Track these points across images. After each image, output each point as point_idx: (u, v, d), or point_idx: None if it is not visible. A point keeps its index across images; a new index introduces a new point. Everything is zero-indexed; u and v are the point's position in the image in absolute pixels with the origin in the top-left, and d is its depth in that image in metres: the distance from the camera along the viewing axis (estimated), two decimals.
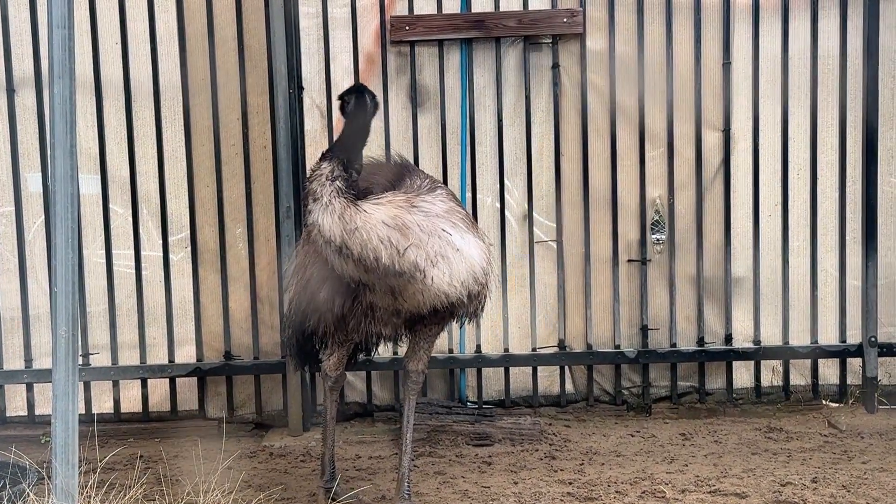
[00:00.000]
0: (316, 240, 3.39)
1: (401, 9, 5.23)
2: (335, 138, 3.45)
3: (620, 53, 5.23)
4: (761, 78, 5.24)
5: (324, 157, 3.38)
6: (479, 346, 5.27)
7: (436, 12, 5.22)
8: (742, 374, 5.37)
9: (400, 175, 3.74)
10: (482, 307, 3.81)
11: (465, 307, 3.69)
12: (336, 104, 5.13)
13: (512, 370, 5.34)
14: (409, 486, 3.86)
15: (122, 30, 5.17)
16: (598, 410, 5.34)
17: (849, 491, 3.98)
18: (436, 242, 3.40)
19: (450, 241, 3.44)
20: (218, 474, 3.90)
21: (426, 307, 3.57)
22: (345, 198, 3.31)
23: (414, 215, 3.40)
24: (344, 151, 3.38)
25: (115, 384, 5.27)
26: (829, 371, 5.37)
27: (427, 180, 3.72)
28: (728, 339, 5.29)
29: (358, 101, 3.47)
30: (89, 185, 5.24)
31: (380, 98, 5.13)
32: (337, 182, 3.31)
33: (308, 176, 3.38)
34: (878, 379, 5.23)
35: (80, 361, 5.11)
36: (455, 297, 3.52)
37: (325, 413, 4.14)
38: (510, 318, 5.28)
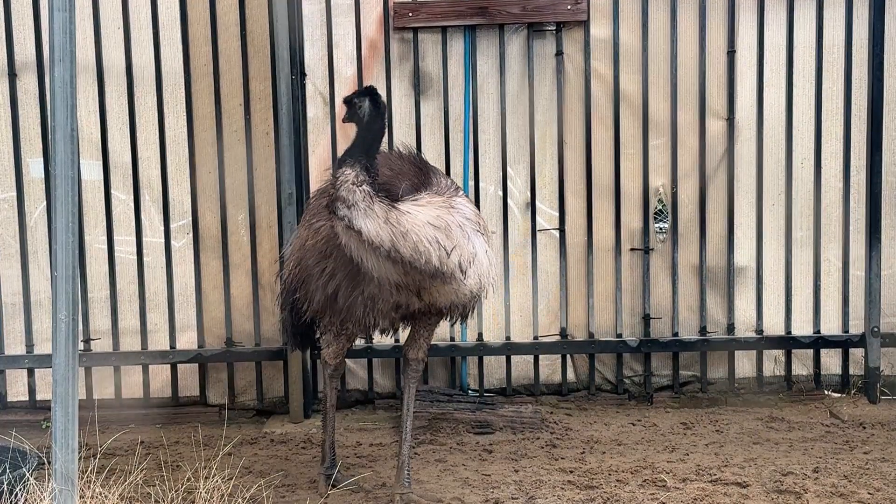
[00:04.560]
0: (347, 245, 3.32)
1: None
2: (352, 142, 3.40)
3: (624, 41, 5.21)
4: (766, 67, 5.21)
5: (343, 162, 3.31)
6: (480, 335, 5.26)
7: None
8: (744, 364, 5.36)
9: (424, 173, 3.72)
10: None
11: (472, 304, 3.75)
12: (340, 99, 5.18)
13: (513, 358, 5.33)
14: (409, 474, 3.87)
15: (125, 15, 5.15)
16: (599, 399, 5.33)
17: (850, 481, 3.97)
18: (471, 244, 3.46)
19: (477, 242, 3.51)
20: (218, 460, 3.91)
21: (447, 304, 3.63)
22: (383, 201, 3.27)
23: (454, 216, 3.42)
24: (363, 155, 3.32)
25: (117, 370, 5.27)
26: (831, 361, 5.36)
27: (449, 180, 3.76)
28: (730, 328, 5.28)
29: (374, 105, 3.42)
30: (91, 171, 5.24)
31: (382, 85, 5.18)
32: (365, 186, 3.25)
33: (334, 183, 3.30)
34: (881, 369, 5.22)
35: (82, 347, 5.13)
36: (476, 295, 3.64)
37: (325, 400, 4.14)
38: (512, 307, 5.28)
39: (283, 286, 4.02)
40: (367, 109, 3.41)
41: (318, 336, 4.12)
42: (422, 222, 3.30)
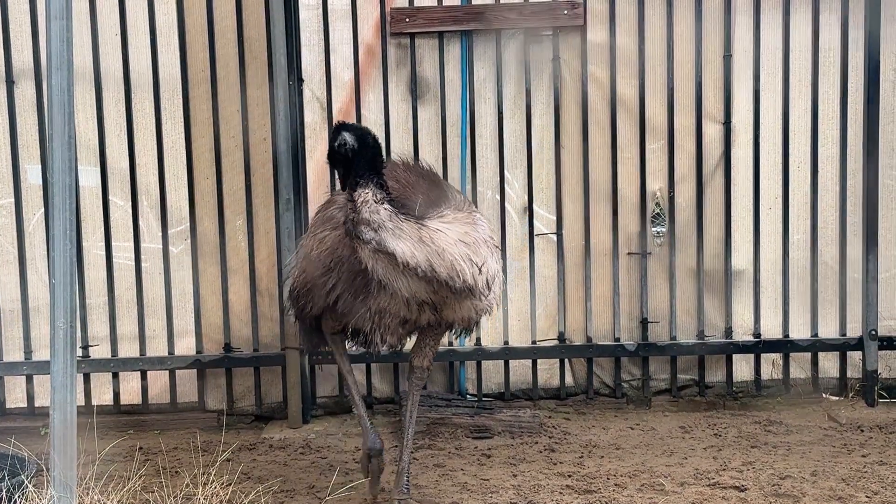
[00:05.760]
0: (374, 269, 3.19)
1: (401, 0, 5.22)
2: (355, 165, 3.23)
3: (621, 45, 5.22)
4: (762, 70, 5.22)
5: (355, 183, 3.16)
6: (478, 339, 5.26)
7: (436, 4, 5.20)
8: (742, 368, 5.36)
9: (437, 185, 3.63)
10: None
11: (480, 318, 3.71)
12: (337, 104, 5.21)
13: (511, 363, 5.33)
14: (408, 479, 3.86)
15: (122, 21, 5.16)
16: (597, 403, 5.33)
17: (848, 484, 3.97)
18: (494, 260, 3.40)
19: (496, 259, 3.45)
20: (217, 466, 3.91)
21: (461, 319, 3.56)
22: (409, 219, 3.16)
23: (479, 232, 3.35)
24: (373, 173, 3.19)
25: (115, 376, 5.27)
26: (829, 364, 5.36)
27: (460, 193, 3.68)
28: (728, 332, 5.28)
29: (355, 133, 3.25)
30: (89, 177, 5.24)
31: (380, 90, 5.20)
32: (387, 205, 3.13)
33: (352, 206, 3.15)
34: (879, 372, 5.22)
35: (80, 353, 5.13)
36: (488, 311, 3.60)
37: (339, 371, 3.99)
38: (510, 311, 5.28)
39: (290, 295, 3.94)
40: (351, 142, 3.24)
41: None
42: (453, 240, 3.20)
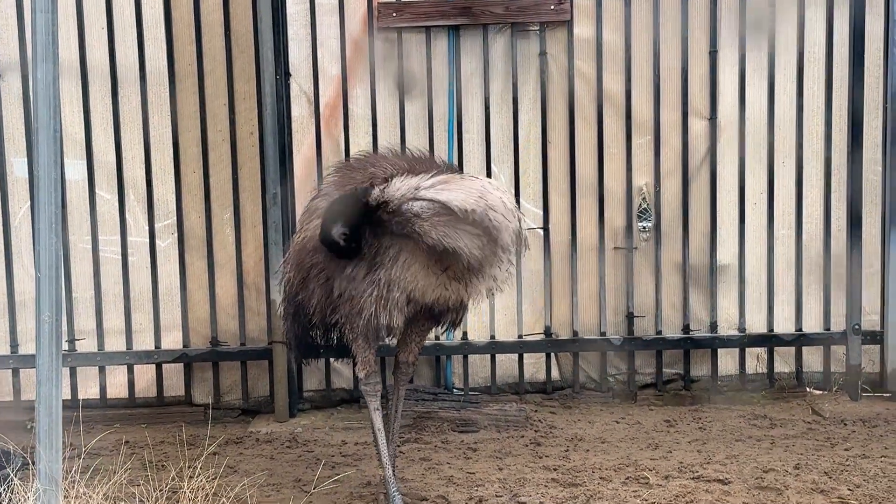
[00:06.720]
0: (439, 239, 3.05)
1: None
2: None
3: (607, 41, 5.23)
4: (748, 66, 5.24)
5: (364, 194, 3.15)
6: (465, 333, 5.28)
7: None
8: (727, 362, 5.39)
9: (449, 168, 3.56)
10: None
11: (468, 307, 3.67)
12: (324, 99, 5.21)
13: (498, 357, 5.35)
14: (394, 472, 3.86)
15: (108, 14, 5.14)
16: (583, 397, 5.36)
17: (830, 477, 4.00)
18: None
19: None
20: (203, 460, 3.90)
21: (474, 295, 3.48)
22: (440, 174, 3.11)
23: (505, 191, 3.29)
24: (364, 188, 3.21)
25: (101, 370, 5.27)
26: (813, 358, 5.39)
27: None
28: (713, 326, 5.31)
29: (342, 236, 3.24)
30: (75, 171, 5.23)
31: (367, 85, 5.19)
32: (396, 178, 3.12)
33: (384, 202, 3.12)
34: (862, 366, 5.25)
35: (66, 347, 5.12)
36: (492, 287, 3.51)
37: (372, 426, 3.77)
38: (496, 305, 5.29)
39: (284, 294, 3.90)
40: (338, 236, 3.22)
41: (321, 343, 4.03)
42: (491, 187, 3.13)
